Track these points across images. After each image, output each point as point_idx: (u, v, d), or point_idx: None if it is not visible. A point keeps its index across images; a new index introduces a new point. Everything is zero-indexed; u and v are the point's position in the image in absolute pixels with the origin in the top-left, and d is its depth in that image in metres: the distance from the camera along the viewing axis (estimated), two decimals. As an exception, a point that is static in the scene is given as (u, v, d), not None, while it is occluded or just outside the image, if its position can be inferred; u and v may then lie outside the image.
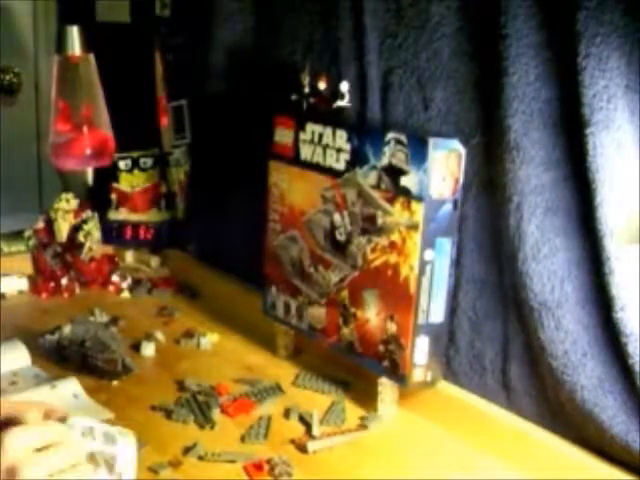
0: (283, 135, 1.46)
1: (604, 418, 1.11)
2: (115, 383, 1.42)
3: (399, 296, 1.26)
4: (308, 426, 1.30)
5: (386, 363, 1.30)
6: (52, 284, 1.84)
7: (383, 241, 1.28)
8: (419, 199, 1.21)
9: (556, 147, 1.14)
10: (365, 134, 1.31)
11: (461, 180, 1.23)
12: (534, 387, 1.22)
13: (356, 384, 1.41)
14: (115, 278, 1.89)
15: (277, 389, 1.41)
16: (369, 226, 1.30)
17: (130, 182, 1.99)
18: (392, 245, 1.26)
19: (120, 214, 2.00)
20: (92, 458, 0.88)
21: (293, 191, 1.45)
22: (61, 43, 1.58)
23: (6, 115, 2.10)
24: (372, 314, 1.31)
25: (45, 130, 1.73)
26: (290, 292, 1.48)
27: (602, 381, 1.11)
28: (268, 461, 1.19)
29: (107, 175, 1.98)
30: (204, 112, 1.83)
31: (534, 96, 1.14)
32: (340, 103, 1.38)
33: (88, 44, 1.59)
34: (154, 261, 1.97)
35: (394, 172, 1.25)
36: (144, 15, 1.93)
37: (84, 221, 1.92)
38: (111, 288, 1.87)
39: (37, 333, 1.57)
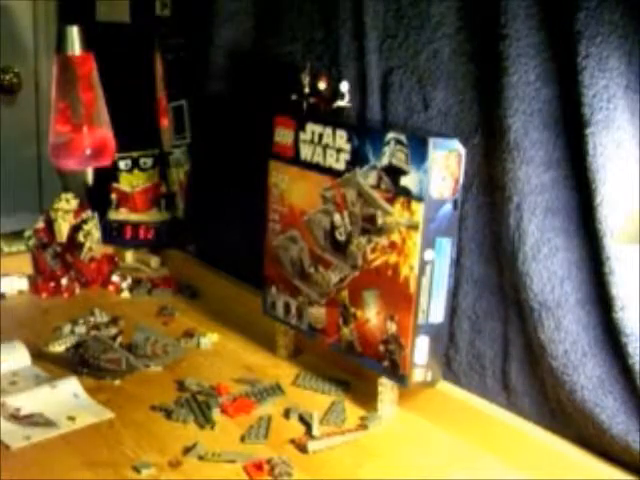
0: (283, 135, 1.46)
1: (604, 418, 1.11)
2: (117, 382, 1.42)
3: (399, 296, 1.26)
4: (308, 426, 1.30)
5: (386, 363, 1.30)
6: (52, 284, 1.84)
7: (383, 241, 1.28)
8: (419, 199, 1.21)
9: (556, 147, 1.14)
10: (365, 134, 1.31)
11: (461, 180, 1.23)
12: (534, 387, 1.22)
13: (356, 384, 1.41)
14: (115, 278, 1.89)
15: (277, 389, 1.41)
16: (369, 226, 1.30)
17: (130, 182, 1.99)
18: (392, 245, 1.26)
19: (120, 214, 2.00)
20: None
21: (293, 191, 1.45)
22: (61, 43, 1.58)
23: (6, 115, 2.10)
24: (372, 314, 1.31)
25: (45, 130, 1.73)
26: (290, 292, 1.48)
27: (602, 381, 1.11)
28: (268, 461, 1.19)
29: (107, 175, 1.98)
30: (204, 112, 1.83)
31: (534, 96, 1.14)
32: (340, 103, 1.38)
33: (88, 44, 1.60)
34: (154, 261, 1.97)
35: (394, 172, 1.25)
36: (144, 15, 1.93)
37: (84, 221, 1.92)
38: (111, 288, 1.87)
39: (37, 333, 1.58)
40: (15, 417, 1.29)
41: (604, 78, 1.05)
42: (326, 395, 1.40)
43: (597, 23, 1.05)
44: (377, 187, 1.28)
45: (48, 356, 1.51)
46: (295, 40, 1.55)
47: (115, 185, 2.00)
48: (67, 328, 1.61)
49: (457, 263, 1.27)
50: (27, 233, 1.92)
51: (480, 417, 1.26)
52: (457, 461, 1.23)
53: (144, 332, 1.60)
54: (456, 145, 1.22)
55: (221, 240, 1.82)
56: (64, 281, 1.84)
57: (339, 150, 1.34)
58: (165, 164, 1.97)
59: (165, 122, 1.93)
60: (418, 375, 1.28)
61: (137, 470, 1.17)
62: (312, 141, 1.40)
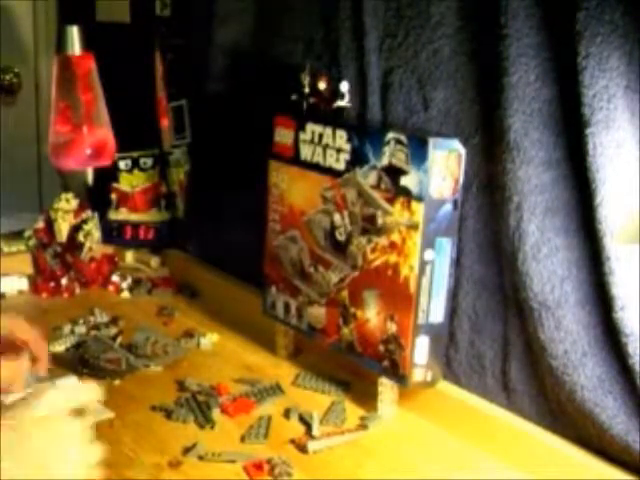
0: (283, 135, 1.46)
1: (604, 418, 1.11)
2: (117, 382, 1.42)
3: (399, 296, 1.26)
4: (308, 426, 1.30)
5: (386, 363, 1.30)
6: (52, 284, 1.84)
7: (383, 241, 1.28)
8: (419, 199, 1.21)
9: (556, 147, 1.14)
10: (365, 134, 1.31)
11: (461, 180, 1.23)
12: (534, 387, 1.22)
13: (356, 384, 1.41)
14: (115, 278, 1.89)
15: (277, 389, 1.41)
16: (369, 226, 1.30)
17: (130, 182, 1.99)
18: (392, 245, 1.26)
19: (120, 214, 2.00)
20: None
21: (293, 191, 1.45)
22: (61, 43, 1.58)
23: (6, 115, 2.10)
24: (372, 314, 1.31)
25: (45, 130, 1.73)
26: (290, 292, 1.48)
27: (602, 381, 1.11)
28: (268, 461, 1.19)
29: (107, 175, 1.98)
30: (204, 112, 1.82)
31: (534, 96, 1.14)
32: (340, 103, 1.38)
33: (88, 44, 1.60)
34: (154, 261, 1.97)
35: (394, 172, 1.25)
36: (144, 15, 1.93)
37: (84, 221, 1.92)
38: (111, 288, 1.87)
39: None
40: (15, 417, 1.29)
41: (604, 78, 1.05)
42: (326, 395, 1.40)
43: (597, 23, 1.05)
44: (377, 187, 1.28)
45: (48, 356, 1.51)
46: (295, 40, 1.55)
47: (115, 185, 2.00)
48: (67, 328, 1.61)
49: (457, 263, 1.27)
50: (27, 233, 1.92)
51: (480, 417, 1.26)
52: (457, 461, 1.23)
53: (144, 332, 1.60)
54: (456, 145, 1.22)
55: (221, 240, 1.82)
56: (64, 281, 1.84)
57: (339, 150, 1.34)
58: (165, 164, 1.97)
59: (165, 122, 1.93)
60: (418, 375, 1.28)
61: (154, 471, 1.17)
62: (312, 141, 1.40)
